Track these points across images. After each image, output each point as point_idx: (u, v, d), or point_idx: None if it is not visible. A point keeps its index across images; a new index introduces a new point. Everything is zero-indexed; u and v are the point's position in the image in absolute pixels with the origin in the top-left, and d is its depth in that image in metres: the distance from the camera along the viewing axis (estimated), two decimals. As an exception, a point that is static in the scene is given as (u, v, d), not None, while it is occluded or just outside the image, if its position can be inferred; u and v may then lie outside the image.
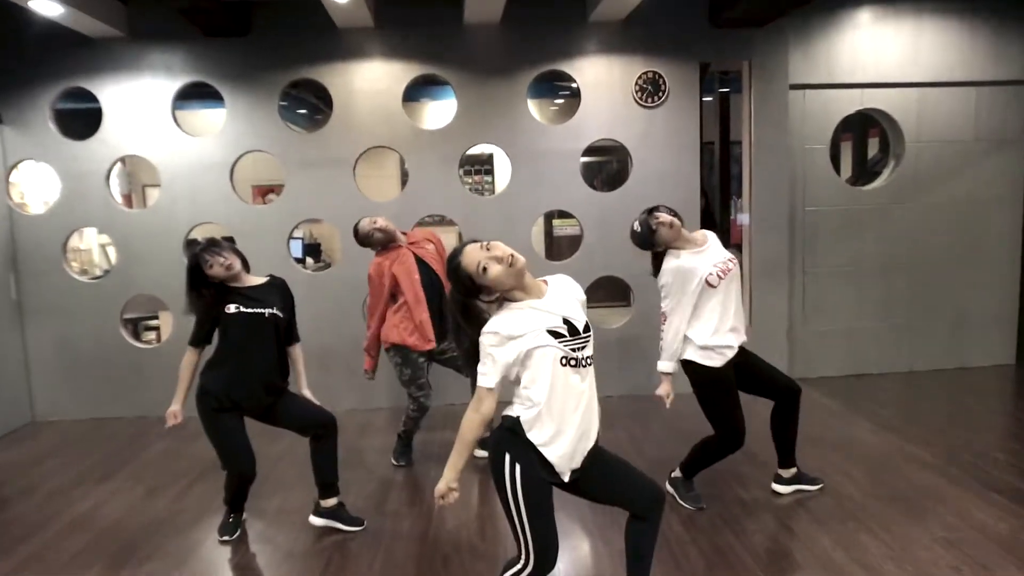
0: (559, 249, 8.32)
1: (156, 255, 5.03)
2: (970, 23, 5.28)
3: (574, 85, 5.17)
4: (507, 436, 2.11)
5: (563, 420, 2.07)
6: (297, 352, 3.31)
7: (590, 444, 2.16)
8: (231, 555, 3.13)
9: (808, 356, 5.48)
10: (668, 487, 3.44)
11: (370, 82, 4.97)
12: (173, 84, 4.92)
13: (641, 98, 5.02)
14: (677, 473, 3.46)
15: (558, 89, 8.13)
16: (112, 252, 7.72)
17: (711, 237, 3.29)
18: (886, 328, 5.58)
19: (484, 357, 2.06)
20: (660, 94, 5.02)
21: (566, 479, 2.14)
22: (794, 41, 5.16)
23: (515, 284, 2.06)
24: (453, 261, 2.10)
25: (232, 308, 3.04)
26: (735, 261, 3.24)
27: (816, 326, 5.48)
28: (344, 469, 3.40)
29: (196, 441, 4.51)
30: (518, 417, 2.09)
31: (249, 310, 3.06)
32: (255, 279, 3.17)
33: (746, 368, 3.29)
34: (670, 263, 3.17)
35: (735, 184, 7.45)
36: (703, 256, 3.17)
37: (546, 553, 2.12)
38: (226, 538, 3.22)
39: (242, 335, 3.06)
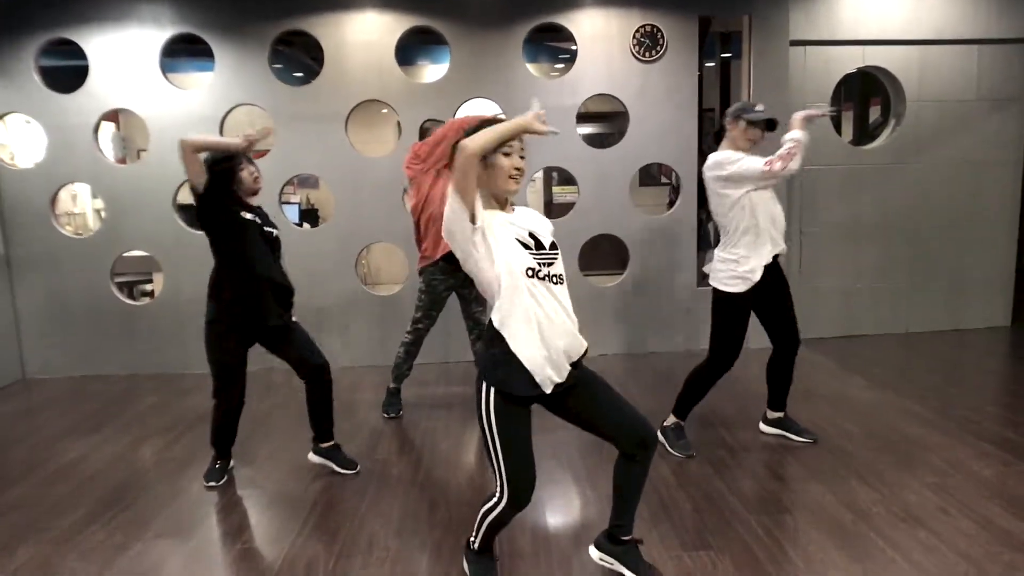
0: (557, 216, 8.25)
1: (146, 210, 4.97)
2: (975, -22, 5.16)
3: (574, 48, 5.07)
4: (486, 360, 2.09)
5: (533, 326, 2.02)
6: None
7: (571, 358, 2.11)
8: (217, 499, 3.11)
9: (803, 316, 5.31)
10: (659, 436, 3.42)
11: (362, 34, 4.88)
12: (162, 35, 4.82)
13: (639, 52, 4.93)
14: (670, 420, 3.45)
15: (557, 52, 8.01)
16: (102, 221, 7.70)
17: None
18: (882, 289, 5.53)
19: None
20: (658, 48, 4.93)
21: (547, 390, 2.07)
22: (795, -5, 5.05)
23: (498, 195, 2.10)
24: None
25: (248, 215, 3.03)
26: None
27: (812, 286, 5.42)
28: (335, 421, 3.37)
29: (187, 396, 4.54)
30: (492, 322, 2.07)
31: (263, 226, 3.09)
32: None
33: (770, 296, 3.27)
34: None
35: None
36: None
37: (519, 487, 2.10)
38: (212, 484, 3.20)
39: (255, 245, 3.04)
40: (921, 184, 5.42)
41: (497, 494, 2.13)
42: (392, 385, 4.11)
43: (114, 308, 5.08)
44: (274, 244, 3.16)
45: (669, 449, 3.38)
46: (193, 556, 2.65)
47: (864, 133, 7.13)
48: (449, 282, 3.86)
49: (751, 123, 3.14)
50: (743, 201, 3.15)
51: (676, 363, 4.93)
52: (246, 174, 3.02)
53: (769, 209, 3.19)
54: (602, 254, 5.76)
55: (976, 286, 5.59)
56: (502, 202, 2.12)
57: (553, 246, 2.12)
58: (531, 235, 2.07)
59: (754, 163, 3.10)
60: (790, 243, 5.21)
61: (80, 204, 7.35)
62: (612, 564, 2.39)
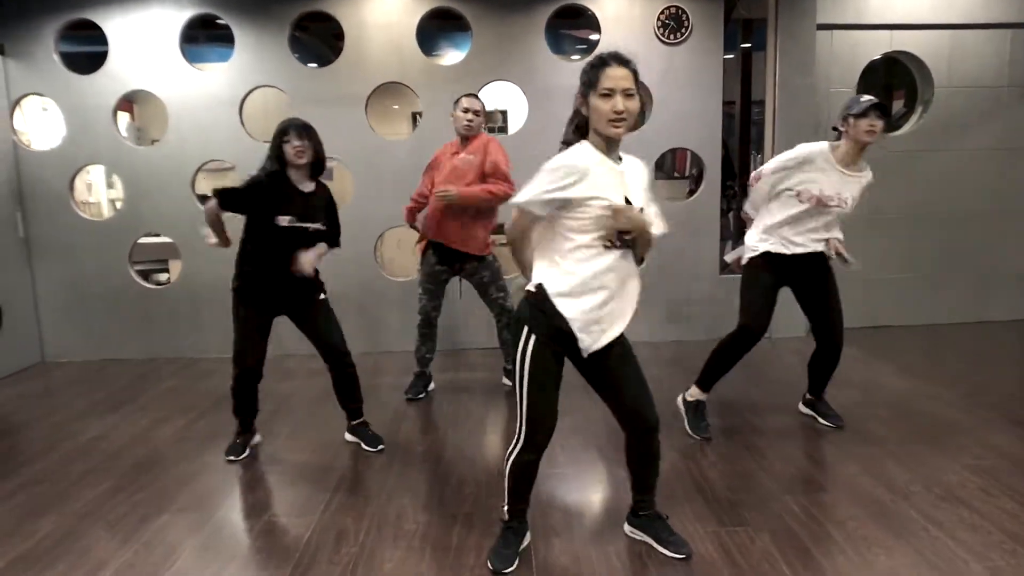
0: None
1: (165, 193, 4.94)
2: (1006, -40, 5.07)
3: (592, 37, 5.00)
4: (529, 307, 2.10)
5: (588, 285, 2.03)
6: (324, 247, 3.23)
7: (617, 327, 2.12)
8: (240, 474, 3.07)
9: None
10: (680, 407, 3.38)
11: (383, 15, 4.83)
12: (181, 16, 4.79)
13: (663, 34, 4.87)
14: (692, 392, 3.37)
15: (575, 42, 7.95)
16: (120, 206, 7.69)
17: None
18: (907, 279, 5.44)
19: (534, 177, 2.02)
20: (683, 30, 4.86)
21: (585, 354, 2.10)
22: (822, -22, 4.98)
23: (611, 136, 2.01)
24: (593, 69, 2.00)
25: (285, 221, 2.98)
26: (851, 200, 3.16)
27: (837, 275, 5.32)
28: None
29: (205, 379, 4.51)
30: (540, 284, 2.08)
31: (301, 224, 3.02)
32: (310, 184, 3.10)
33: (814, 285, 3.27)
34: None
35: (755, 146, 7.28)
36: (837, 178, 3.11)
37: (537, 427, 2.12)
38: (232, 458, 3.18)
39: (284, 245, 3.01)
40: (948, 173, 5.32)
41: (516, 436, 2.16)
42: (416, 369, 4.06)
43: (132, 292, 5.06)
44: (313, 238, 3.09)
45: (686, 427, 3.32)
46: (219, 528, 2.61)
47: (888, 127, 7.02)
48: (440, 258, 3.84)
49: (858, 116, 3.01)
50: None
51: (698, 351, 4.82)
52: (289, 148, 2.95)
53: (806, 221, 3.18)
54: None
55: (1004, 278, 5.49)
56: (606, 145, 2.04)
57: (640, 211, 2.06)
58: (626, 200, 2.03)
59: (761, 181, 3.24)
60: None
61: (95, 193, 7.35)
62: (642, 537, 2.38)
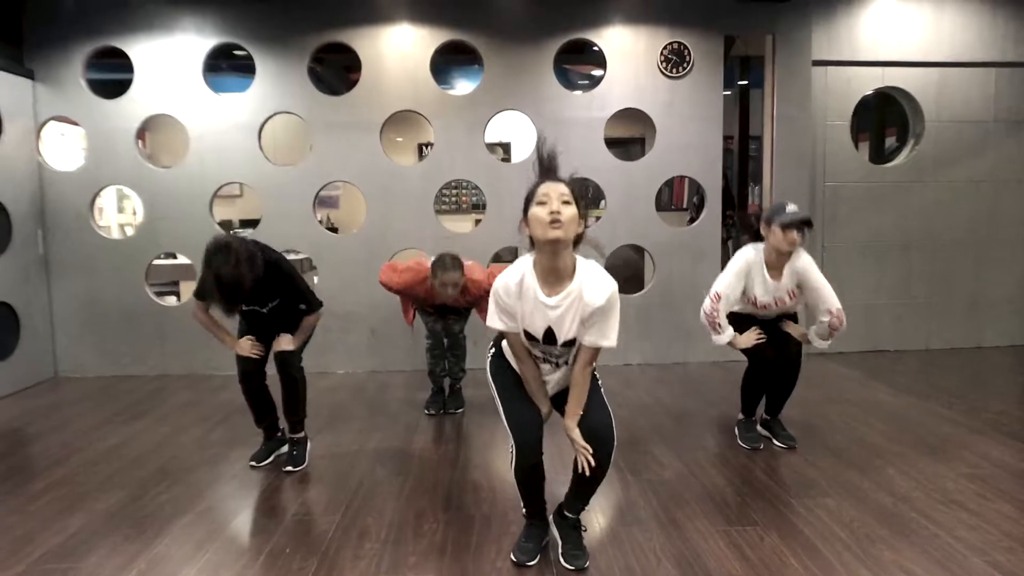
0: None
1: (183, 214, 5.08)
2: (991, 3, 5.34)
3: (594, 73, 5.23)
4: (495, 346, 2.42)
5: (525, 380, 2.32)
6: (308, 320, 3.25)
7: (561, 389, 2.36)
8: (262, 477, 3.16)
9: (825, 331, 5.49)
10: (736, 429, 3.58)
11: (398, 46, 5.05)
12: (205, 44, 5.00)
13: (666, 68, 5.10)
14: (740, 415, 3.58)
15: (577, 77, 8.22)
16: (130, 231, 7.83)
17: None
18: (903, 305, 5.60)
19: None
20: (685, 64, 5.10)
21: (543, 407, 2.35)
22: (817, 17, 5.23)
23: (551, 241, 2.04)
24: (531, 189, 2.13)
25: (247, 307, 3.14)
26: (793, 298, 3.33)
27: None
28: (372, 417, 3.67)
29: (219, 393, 4.60)
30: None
31: (254, 307, 3.13)
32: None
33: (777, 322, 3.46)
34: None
35: (753, 178, 7.49)
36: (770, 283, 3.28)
37: (520, 432, 2.22)
38: (253, 464, 3.27)
39: (248, 326, 3.21)
40: (940, 202, 5.53)
41: (510, 447, 2.25)
42: (433, 387, 4.19)
43: (147, 310, 5.16)
44: (278, 313, 3.17)
45: (739, 441, 3.49)
46: (244, 526, 2.70)
47: (880, 158, 7.26)
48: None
49: (785, 226, 3.11)
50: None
51: (701, 372, 5.00)
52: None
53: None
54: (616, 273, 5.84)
55: (996, 304, 5.67)
56: (549, 263, 2.10)
57: (571, 343, 2.18)
58: (548, 330, 2.17)
59: (716, 286, 3.35)
60: (813, 255, 5.29)
61: (105, 217, 7.49)
62: (555, 534, 2.45)
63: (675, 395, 4.40)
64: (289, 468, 3.22)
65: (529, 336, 2.20)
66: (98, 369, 5.18)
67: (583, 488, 2.29)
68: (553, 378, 2.32)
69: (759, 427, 3.58)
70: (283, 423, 3.37)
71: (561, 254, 2.08)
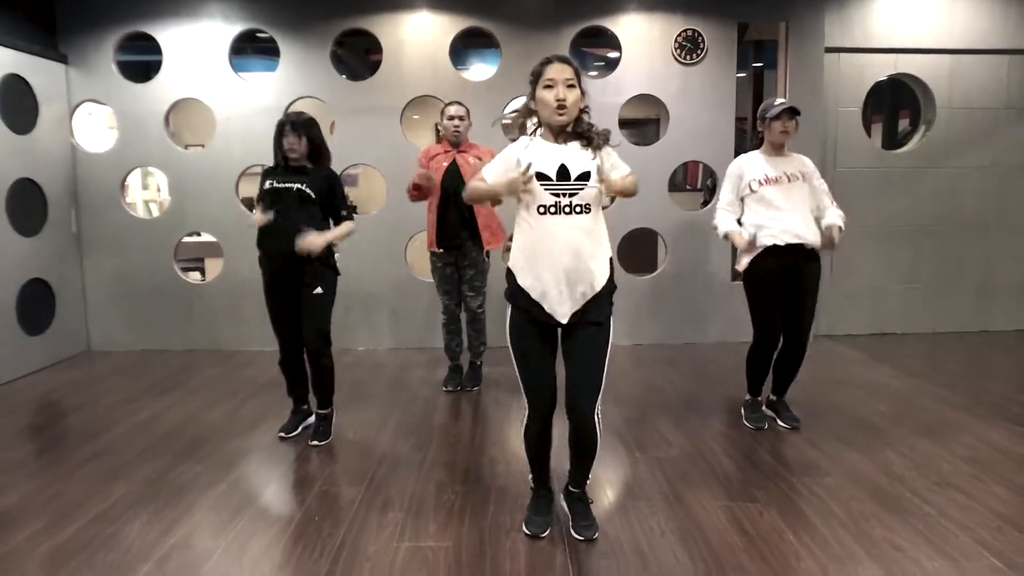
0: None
1: (210, 194, 5.25)
2: (1004, -9, 5.36)
3: (609, 55, 5.31)
4: (507, 283, 2.37)
5: (536, 258, 2.27)
6: (343, 226, 3.34)
7: (578, 288, 2.27)
8: (289, 450, 3.35)
9: (834, 314, 5.60)
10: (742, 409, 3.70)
11: (418, 33, 5.15)
12: (231, 30, 5.13)
13: (680, 55, 5.17)
14: (747, 396, 3.69)
15: (592, 59, 8.26)
16: (155, 209, 8.02)
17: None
18: (911, 289, 5.69)
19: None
20: (699, 52, 5.16)
21: (561, 320, 2.29)
22: (830, 4, 5.27)
23: (557, 124, 2.25)
24: (538, 68, 2.25)
25: (267, 184, 3.27)
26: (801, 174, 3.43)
27: (843, 285, 5.59)
28: (392, 393, 3.81)
29: (246, 368, 4.79)
30: (508, 266, 2.37)
31: (279, 184, 3.25)
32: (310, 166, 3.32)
33: (794, 284, 3.41)
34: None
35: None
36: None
37: (534, 396, 2.38)
38: (282, 435, 3.46)
39: (273, 204, 3.24)
40: (950, 188, 5.59)
41: (524, 407, 2.38)
42: (450, 363, 4.35)
43: (175, 287, 5.36)
44: (295, 195, 3.21)
45: (744, 421, 3.62)
46: (277, 494, 2.89)
47: (893, 142, 7.29)
48: (447, 260, 4.14)
49: (774, 119, 3.38)
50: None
51: (710, 353, 5.13)
52: (284, 143, 3.23)
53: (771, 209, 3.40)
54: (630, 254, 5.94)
55: (1004, 289, 5.74)
56: (555, 131, 2.29)
57: (584, 176, 2.24)
58: (562, 167, 2.24)
59: (718, 210, 3.55)
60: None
61: (131, 194, 7.69)
62: (566, 511, 2.59)
63: (684, 375, 4.54)
64: (315, 442, 3.40)
65: (543, 177, 2.22)
66: (128, 343, 5.40)
67: (580, 462, 2.46)
68: (571, 238, 2.24)
69: (764, 408, 3.72)
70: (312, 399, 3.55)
71: (565, 130, 2.29)
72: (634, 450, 3.28)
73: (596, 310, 2.31)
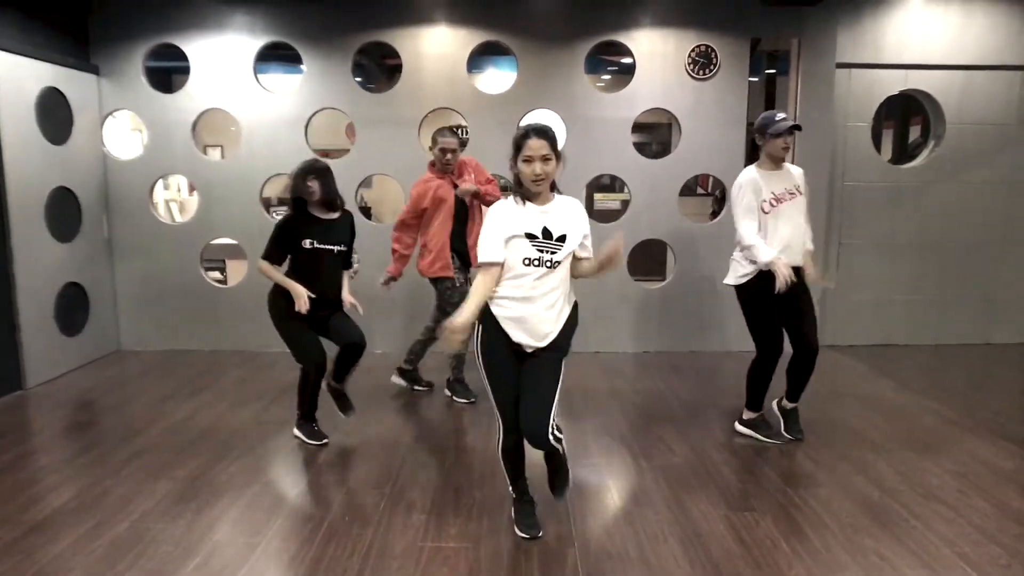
0: (599, 222, 8.61)
1: (235, 201, 5.47)
2: (1020, 6, 5.45)
3: (623, 61, 5.47)
4: (481, 312, 2.56)
5: (515, 300, 2.52)
6: (346, 275, 3.73)
7: (539, 335, 2.53)
8: (315, 453, 3.57)
9: (839, 324, 5.76)
10: (746, 430, 3.78)
11: (437, 46, 5.33)
12: (255, 43, 5.32)
13: (693, 70, 5.32)
14: (747, 415, 3.78)
15: (606, 64, 8.41)
16: (175, 208, 8.25)
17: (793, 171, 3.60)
18: (916, 302, 5.83)
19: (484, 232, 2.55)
20: (711, 67, 5.31)
21: (526, 349, 2.56)
22: (843, 20, 5.39)
23: (534, 192, 2.51)
24: (519, 139, 2.48)
25: (307, 244, 3.49)
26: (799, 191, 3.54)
27: (848, 296, 5.75)
28: (410, 396, 4.03)
29: (269, 370, 5.02)
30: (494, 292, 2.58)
31: (322, 245, 3.52)
32: (332, 214, 3.59)
33: (789, 293, 3.42)
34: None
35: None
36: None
37: (504, 412, 2.60)
38: (315, 443, 3.68)
39: (313, 264, 3.52)
40: (957, 203, 5.71)
41: (497, 428, 2.61)
42: (405, 366, 4.59)
43: (201, 289, 5.60)
44: (337, 257, 3.59)
45: (763, 440, 3.70)
46: (307, 496, 3.11)
47: (903, 152, 7.40)
48: (461, 279, 4.34)
49: (776, 135, 3.43)
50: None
51: (715, 362, 5.31)
52: (307, 186, 3.47)
53: (778, 227, 3.50)
54: (641, 260, 6.12)
55: (1007, 303, 5.87)
56: (533, 196, 2.52)
57: (562, 238, 2.50)
58: (544, 228, 2.49)
59: (741, 224, 3.50)
60: (829, 251, 5.52)
61: (154, 195, 7.94)
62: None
63: (688, 384, 4.73)
64: (347, 415, 3.76)
65: (530, 236, 2.48)
66: (156, 343, 5.64)
67: (552, 477, 2.77)
68: (546, 289, 2.51)
69: (775, 408, 3.82)
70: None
71: (543, 194, 2.55)
72: (640, 458, 3.47)
73: (557, 340, 2.56)
